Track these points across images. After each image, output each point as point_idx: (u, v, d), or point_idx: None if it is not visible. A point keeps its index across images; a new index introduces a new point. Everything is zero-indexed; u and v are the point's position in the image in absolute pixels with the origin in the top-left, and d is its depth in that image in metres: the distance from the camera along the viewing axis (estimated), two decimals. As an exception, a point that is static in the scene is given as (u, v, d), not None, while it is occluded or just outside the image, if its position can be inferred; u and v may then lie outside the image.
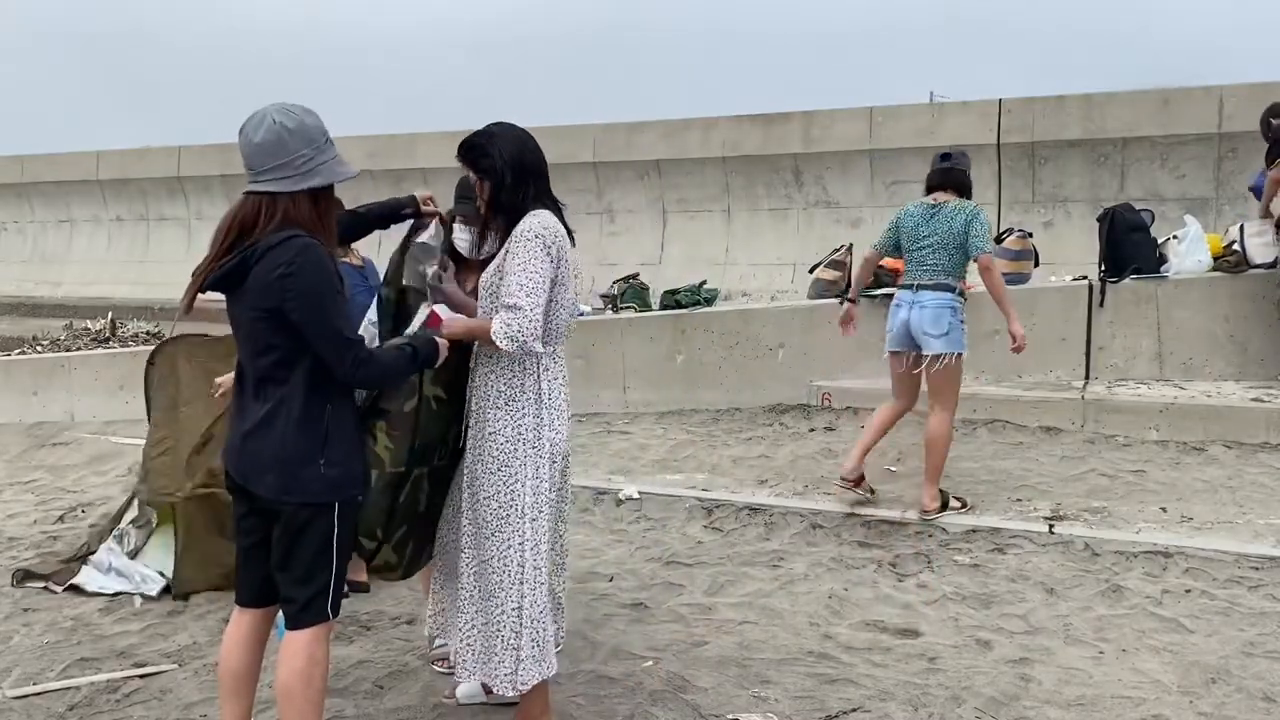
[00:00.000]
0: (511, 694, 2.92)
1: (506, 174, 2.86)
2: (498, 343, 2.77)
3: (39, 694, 3.44)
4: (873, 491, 5.24)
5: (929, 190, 5.16)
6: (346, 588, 4.08)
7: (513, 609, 2.85)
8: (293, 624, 2.65)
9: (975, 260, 4.88)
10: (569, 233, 2.97)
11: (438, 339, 2.80)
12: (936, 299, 4.91)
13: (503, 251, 2.87)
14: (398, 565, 2.99)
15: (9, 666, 3.66)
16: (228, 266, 2.54)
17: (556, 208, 2.94)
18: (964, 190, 5.07)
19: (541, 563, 2.87)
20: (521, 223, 2.85)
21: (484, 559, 2.90)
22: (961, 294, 4.97)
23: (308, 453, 2.54)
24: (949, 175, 5.08)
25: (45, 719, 3.29)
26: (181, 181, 13.39)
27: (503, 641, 2.87)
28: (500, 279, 2.84)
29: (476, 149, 2.90)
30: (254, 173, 2.56)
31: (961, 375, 5.09)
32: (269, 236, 2.52)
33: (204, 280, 2.59)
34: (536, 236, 2.81)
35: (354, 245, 4.58)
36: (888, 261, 7.48)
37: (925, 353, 4.93)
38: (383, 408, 2.86)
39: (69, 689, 3.46)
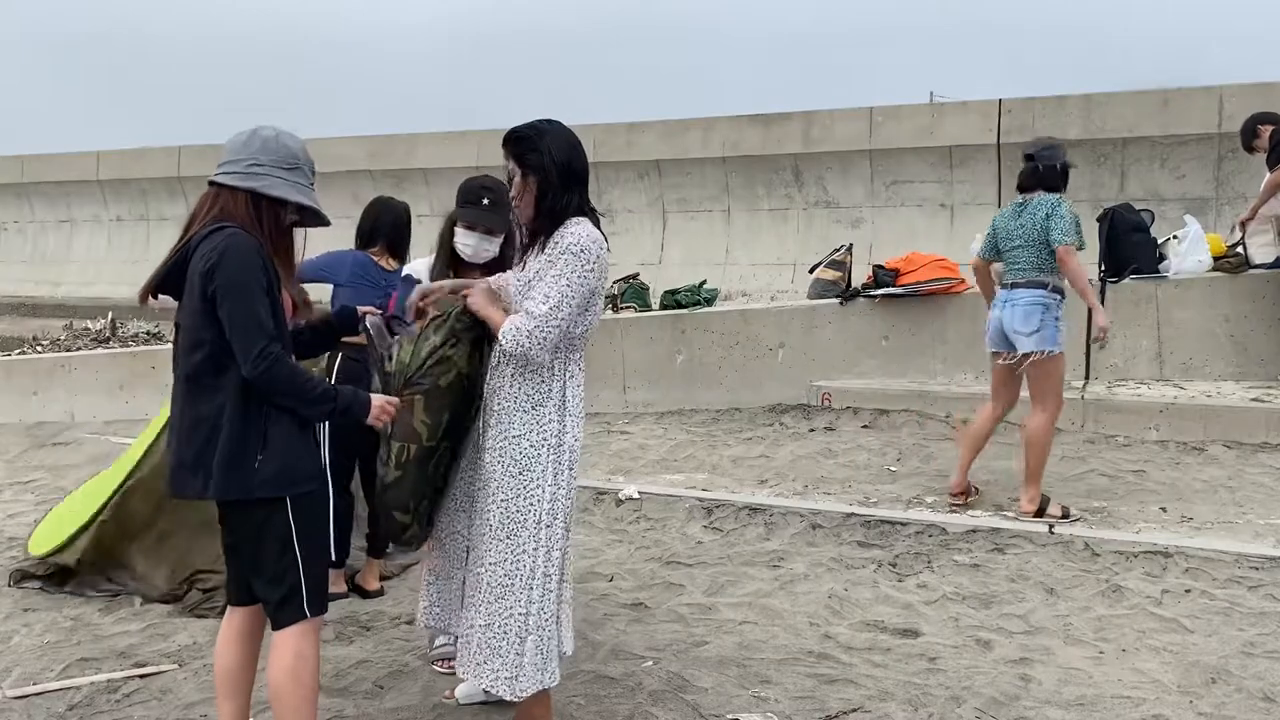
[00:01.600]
0: (510, 697, 2.91)
1: (555, 176, 2.78)
2: (501, 341, 2.75)
3: (39, 694, 3.44)
4: (978, 491, 5.27)
5: (1020, 190, 5.12)
6: (357, 594, 4.08)
7: (520, 613, 2.83)
8: (274, 624, 2.67)
9: (1054, 251, 4.85)
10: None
11: (373, 399, 2.71)
12: (1028, 296, 4.93)
13: (545, 258, 2.79)
14: (421, 535, 3.02)
15: (9, 666, 3.66)
16: (169, 265, 2.59)
17: (595, 217, 2.89)
18: (1054, 187, 5.02)
19: (553, 569, 2.86)
20: (570, 233, 2.77)
21: (496, 560, 2.86)
22: (1057, 290, 4.95)
23: (241, 450, 2.52)
24: (1035, 176, 5.04)
25: (45, 719, 3.29)
26: (181, 181, 13.39)
27: (507, 644, 2.85)
28: (537, 283, 2.79)
29: (526, 142, 2.79)
30: (219, 164, 2.64)
31: (1062, 374, 5.08)
32: (201, 230, 2.57)
33: (152, 281, 2.63)
34: (584, 251, 2.75)
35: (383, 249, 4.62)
36: (889, 261, 7.51)
37: (1017, 351, 4.95)
38: (418, 380, 2.86)
39: (69, 689, 3.46)
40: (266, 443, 2.55)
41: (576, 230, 2.78)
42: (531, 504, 2.83)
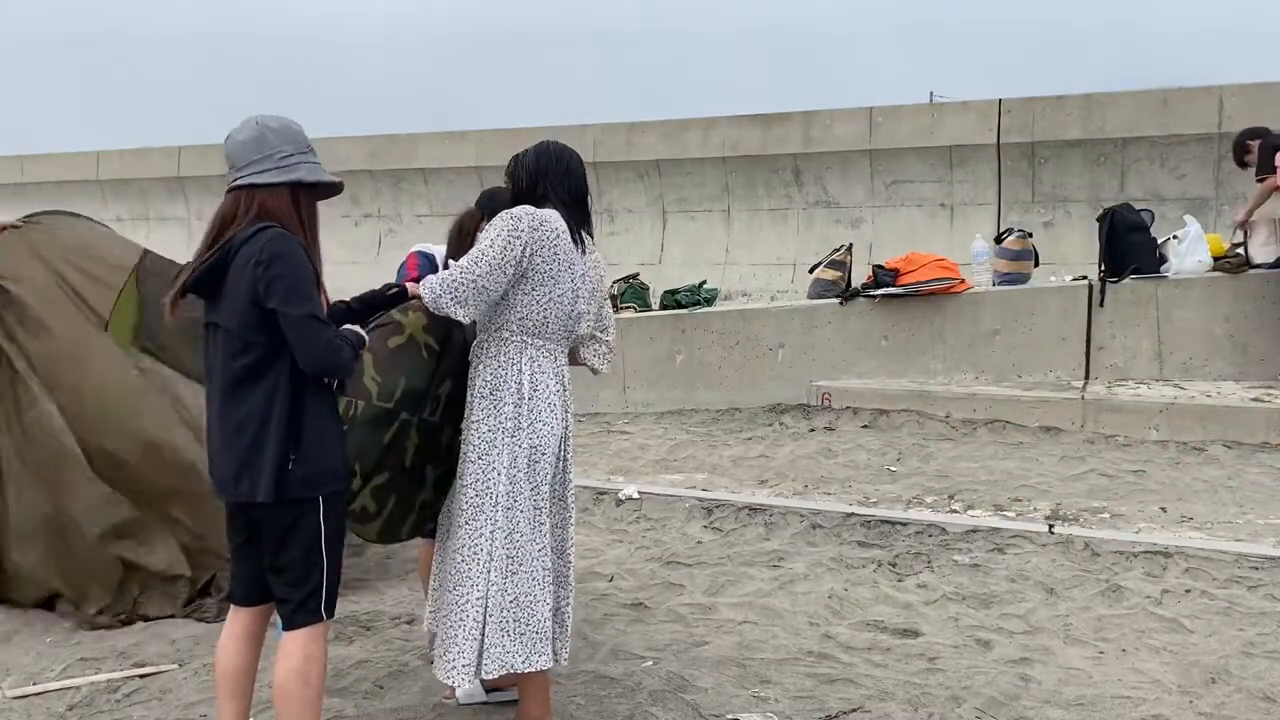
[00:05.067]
0: (464, 685, 2.93)
1: (523, 177, 3.01)
2: (420, 292, 2.90)
3: (39, 694, 3.44)
4: None
5: None
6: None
7: (477, 598, 2.88)
8: (288, 625, 2.66)
9: None
10: (579, 236, 2.99)
11: (361, 332, 2.80)
12: None
13: None
14: (376, 515, 2.95)
15: (9, 666, 3.66)
16: (207, 264, 2.56)
17: (569, 211, 2.98)
18: None
19: (517, 553, 2.89)
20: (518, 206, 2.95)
21: (456, 548, 2.94)
22: None
23: (274, 452, 2.53)
24: None
25: (45, 719, 3.29)
26: (181, 181, 13.40)
27: (464, 632, 2.89)
28: None
29: (515, 158, 3.07)
30: (236, 170, 2.61)
31: None
32: (243, 230, 2.54)
33: (186, 282, 2.61)
34: (514, 216, 2.87)
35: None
36: (889, 261, 7.51)
37: None
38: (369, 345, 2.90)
39: (69, 689, 3.46)
40: (300, 442, 2.57)
41: (526, 205, 2.93)
42: (489, 487, 2.90)
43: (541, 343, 2.96)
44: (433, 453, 3.02)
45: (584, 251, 3.02)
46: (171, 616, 4.04)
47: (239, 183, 2.59)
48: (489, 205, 3.46)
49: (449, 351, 3.02)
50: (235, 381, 2.55)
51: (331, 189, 2.72)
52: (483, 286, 2.84)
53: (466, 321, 2.91)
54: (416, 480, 3.02)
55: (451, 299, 2.84)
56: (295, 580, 2.62)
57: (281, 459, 2.53)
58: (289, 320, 2.50)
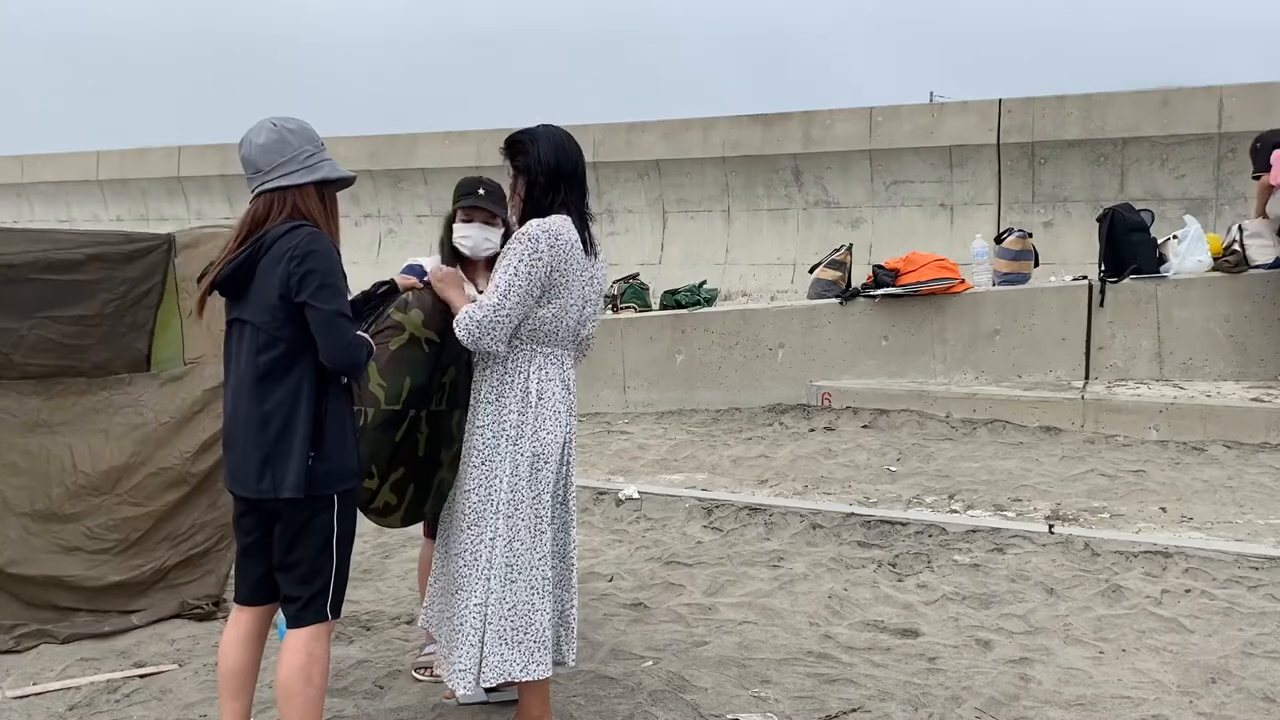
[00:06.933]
0: (463, 690, 2.93)
1: (541, 175, 2.93)
2: (456, 330, 2.86)
3: (39, 694, 3.44)
4: None
5: None
6: None
7: (476, 604, 2.89)
8: (293, 623, 2.66)
9: None
10: (589, 242, 2.98)
11: (370, 340, 2.79)
12: None
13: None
14: (397, 506, 3.03)
15: (9, 667, 3.66)
16: (237, 260, 2.59)
17: (581, 216, 2.97)
18: None
19: (516, 561, 2.89)
20: (529, 223, 2.88)
21: (458, 552, 2.95)
22: None
23: (300, 448, 2.56)
24: None
25: (45, 719, 3.29)
26: (181, 181, 13.39)
27: (463, 636, 2.90)
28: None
29: (519, 145, 2.98)
30: (262, 174, 2.63)
31: None
32: (276, 228, 2.58)
33: (214, 278, 2.63)
34: (530, 238, 2.84)
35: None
36: (889, 261, 7.51)
37: None
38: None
39: (69, 689, 3.46)
40: (321, 440, 2.59)
41: (536, 220, 2.88)
42: (490, 494, 2.90)
43: (549, 350, 2.95)
44: (444, 436, 3.06)
45: (595, 256, 3.01)
46: (177, 616, 4.04)
47: (269, 186, 2.61)
48: (460, 190, 3.44)
49: (449, 340, 3.03)
50: (260, 376, 2.58)
51: (346, 182, 2.76)
52: (516, 317, 2.84)
53: (503, 351, 2.90)
54: (432, 464, 3.06)
55: (491, 339, 2.83)
56: (304, 578, 2.63)
57: (300, 455, 2.56)
58: (318, 315, 2.53)
